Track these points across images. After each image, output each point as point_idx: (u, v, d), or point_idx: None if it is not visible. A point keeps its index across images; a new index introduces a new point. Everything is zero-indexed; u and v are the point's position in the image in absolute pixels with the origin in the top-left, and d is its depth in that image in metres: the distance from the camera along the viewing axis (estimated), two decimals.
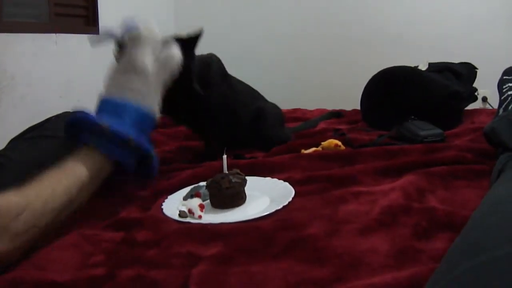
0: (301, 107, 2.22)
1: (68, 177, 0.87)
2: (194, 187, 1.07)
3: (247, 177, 1.01)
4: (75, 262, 0.78)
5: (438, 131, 1.33)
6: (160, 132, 1.69)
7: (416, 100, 1.57)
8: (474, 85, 1.79)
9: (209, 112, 1.32)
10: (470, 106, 1.76)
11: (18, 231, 0.75)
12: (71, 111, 1.11)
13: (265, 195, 1.01)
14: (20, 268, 0.76)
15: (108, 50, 1.13)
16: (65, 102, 2.21)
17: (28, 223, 0.77)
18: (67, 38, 2.42)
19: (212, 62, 1.35)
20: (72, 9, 2.66)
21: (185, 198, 1.02)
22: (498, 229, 0.51)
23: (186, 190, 1.06)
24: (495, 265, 0.44)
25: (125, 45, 1.01)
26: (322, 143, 1.33)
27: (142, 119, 0.97)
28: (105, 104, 0.98)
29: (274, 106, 1.52)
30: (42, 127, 1.15)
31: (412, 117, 1.44)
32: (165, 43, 1.05)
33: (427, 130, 1.33)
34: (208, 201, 1.00)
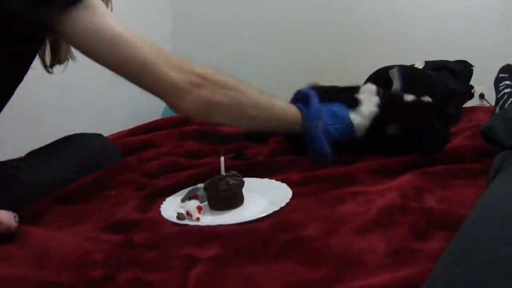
0: None
1: (273, 105, 1.14)
2: (192, 189, 1.07)
3: (244, 179, 1.01)
4: (74, 262, 0.78)
5: None
6: (155, 134, 1.69)
7: None
8: (471, 82, 1.79)
9: None
10: (467, 104, 1.76)
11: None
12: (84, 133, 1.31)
13: (263, 197, 1.01)
14: (20, 265, 0.76)
15: None
16: (62, 103, 2.20)
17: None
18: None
19: None
20: None
21: (183, 200, 1.02)
22: (494, 230, 0.51)
23: (184, 192, 1.07)
24: (492, 266, 0.44)
25: None
26: None
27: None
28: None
29: None
30: (51, 147, 1.23)
31: None
32: None
33: None
34: (206, 203, 1.00)
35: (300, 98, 1.25)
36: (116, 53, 0.95)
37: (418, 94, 1.49)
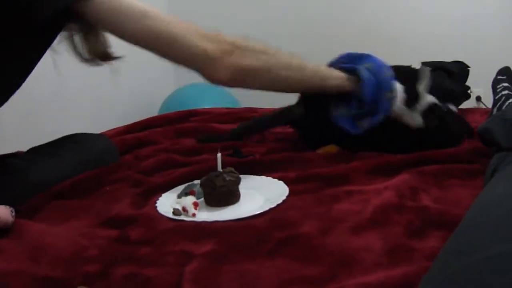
0: None
1: (306, 66, 1.12)
2: (188, 185, 1.07)
3: (241, 175, 1.01)
4: (69, 257, 0.78)
5: None
6: (152, 131, 1.69)
7: None
8: (468, 83, 1.79)
9: None
10: (464, 105, 1.77)
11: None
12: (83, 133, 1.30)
13: (259, 194, 1.01)
14: (14, 260, 0.76)
15: None
16: (58, 101, 2.19)
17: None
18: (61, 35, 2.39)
19: None
20: None
21: (179, 196, 1.02)
22: (491, 229, 0.51)
23: (180, 188, 1.06)
24: (488, 264, 0.45)
25: None
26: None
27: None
28: None
29: None
30: (55, 146, 1.23)
31: None
32: None
33: None
34: (202, 199, 1.00)
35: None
36: (147, 28, 0.96)
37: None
